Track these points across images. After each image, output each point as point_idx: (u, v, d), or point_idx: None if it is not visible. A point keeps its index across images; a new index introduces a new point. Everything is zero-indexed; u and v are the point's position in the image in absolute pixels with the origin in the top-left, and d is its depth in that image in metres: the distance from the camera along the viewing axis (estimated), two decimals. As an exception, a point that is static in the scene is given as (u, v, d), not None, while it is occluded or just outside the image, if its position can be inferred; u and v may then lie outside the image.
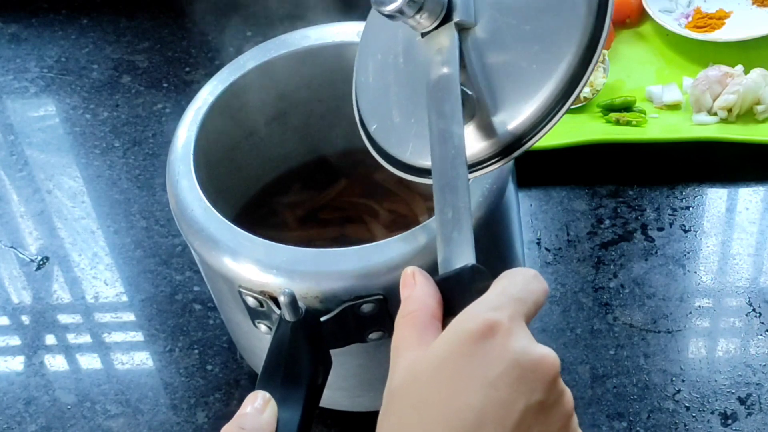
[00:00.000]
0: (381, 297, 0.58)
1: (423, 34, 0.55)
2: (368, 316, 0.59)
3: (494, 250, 0.65)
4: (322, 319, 0.57)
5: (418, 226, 0.59)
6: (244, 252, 0.59)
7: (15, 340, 0.78)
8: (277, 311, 0.57)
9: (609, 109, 0.87)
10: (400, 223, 0.73)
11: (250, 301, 0.60)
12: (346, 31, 0.70)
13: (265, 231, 0.71)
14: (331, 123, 0.75)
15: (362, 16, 0.67)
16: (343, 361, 0.61)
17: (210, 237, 0.60)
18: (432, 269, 0.58)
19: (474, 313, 0.43)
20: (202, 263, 0.63)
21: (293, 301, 0.55)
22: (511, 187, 0.63)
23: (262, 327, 0.61)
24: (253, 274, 0.58)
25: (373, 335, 0.60)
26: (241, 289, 0.59)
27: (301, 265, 0.58)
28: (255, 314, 0.61)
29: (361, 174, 0.76)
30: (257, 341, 0.63)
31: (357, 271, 0.58)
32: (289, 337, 0.55)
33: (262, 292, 0.58)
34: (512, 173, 0.63)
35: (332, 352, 0.58)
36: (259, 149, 0.74)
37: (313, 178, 0.76)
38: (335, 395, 0.67)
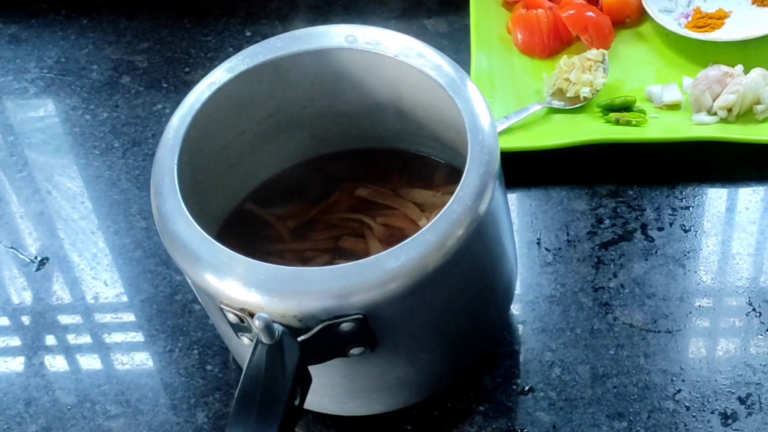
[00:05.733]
0: (360, 316, 0.58)
1: None
2: (348, 334, 0.59)
3: (485, 258, 0.65)
4: (300, 338, 0.57)
5: (398, 245, 0.58)
6: (224, 269, 0.58)
7: (15, 341, 0.78)
8: (254, 328, 0.57)
9: (609, 109, 0.87)
10: (397, 236, 0.72)
11: (231, 317, 0.59)
12: (338, 33, 0.69)
13: (259, 243, 0.71)
14: (323, 126, 0.75)
15: (357, 18, 0.67)
16: (328, 372, 0.61)
17: (192, 252, 0.59)
18: (412, 288, 0.58)
19: None
20: (186, 276, 0.63)
21: (268, 325, 0.55)
22: (498, 197, 0.63)
23: (245, 340, 0.61)
24: (233, 291, 0.58)
25: (354, 350, 0.60)
26: (222, 306, 0.59)
27: (280, 284, 0.57)
28: (237, 328, 0.61)
29: (351, 188, 0.75)
30: (245, 348, 0.63)
31: (335, 290, 0.57)
32: (266, 360, 0.55)
33: (242, 309, 0.58)
34: (500, 179, 0.63)
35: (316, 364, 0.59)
36: (249, 153, 0.73)
37: (304, 189, 0.76)
38: (323, 401, 0.66)
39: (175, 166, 0.63)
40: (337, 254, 0.71)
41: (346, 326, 0.58)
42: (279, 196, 0.75)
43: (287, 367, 0.56)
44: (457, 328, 0.66)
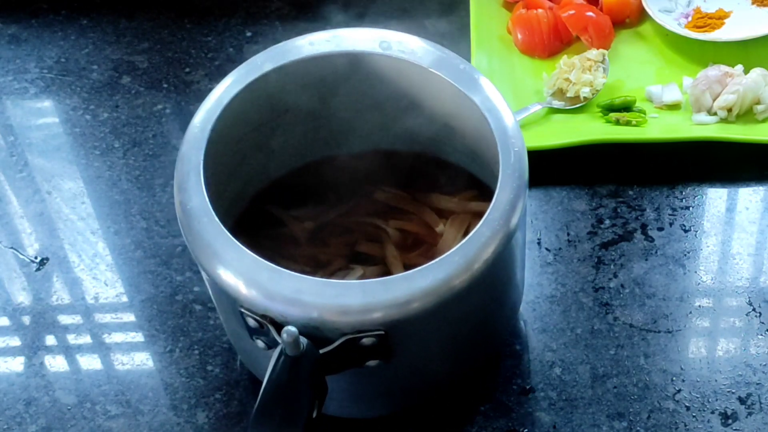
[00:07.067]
0: (382, 333, 0.58)
1: None
2: (367, 348, 0.59)
3: (505, 274, 0.66)
4: (322, 351, 0.57)
5: (423, 266, 0.58)
6: (249, 274, 0.58)
7: (15, 341, 0.78)
8: (278, 338, 0.57)
9: (609, 109, 0.87)
10: (413, 241, 0.72)
11: (251, 322, 0.59)
12: (371, 38, 0.69)
13: (273, 243, 0.71)
14: (343, 126, 0.75)
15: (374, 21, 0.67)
16: (336, 379, 0.61)
17: (216, 254, 0.59)
18: (435, 308, 0.58)
19: None
20: (205, 275, 0.62)
21: (296, 339, 0.55)
22: (523, 217, 0.63)
23: (260, 343, 0.61)
24: (256, 297, 0.58)
25: (370, 363, 0.60)
26: (243, 310, 0.59)
27: (305, 295, 0.57)
28: (254, 332, 0.61)
29: (369, 191, 0.75)
30: (257, 351, 0.63)
31: (360, 306, 0.57)
32: (288, 372, 0.56)
33: (263, 316, 0.58)
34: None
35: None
36: (266, 150, 0.73)
37: (320, 189, 0.75)
38: (326, 403, 0.66)
39: (201, 162, 0.62)
40: (353, 259, 0.71)
41: (366, 341, 0.58)
42: (294, 195, 0.75)
43: (308, 379, 0.56)
44: (468, 339, 0.66)
